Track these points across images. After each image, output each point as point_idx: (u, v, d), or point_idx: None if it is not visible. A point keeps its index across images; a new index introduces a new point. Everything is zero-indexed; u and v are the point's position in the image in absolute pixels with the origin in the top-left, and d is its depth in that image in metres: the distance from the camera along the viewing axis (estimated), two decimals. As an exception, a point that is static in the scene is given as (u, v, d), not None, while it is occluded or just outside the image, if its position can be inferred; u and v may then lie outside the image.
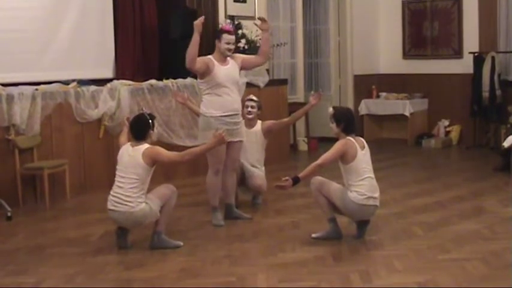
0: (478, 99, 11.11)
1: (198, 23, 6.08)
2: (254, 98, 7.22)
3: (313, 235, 5.86)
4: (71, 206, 7.52)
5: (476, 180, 8.52)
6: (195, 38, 6.06)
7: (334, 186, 5.79)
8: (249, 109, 7.09)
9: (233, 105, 6.36)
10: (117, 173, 5.64)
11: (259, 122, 7.22)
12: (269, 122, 7.29)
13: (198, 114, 7.29)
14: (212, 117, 6.28)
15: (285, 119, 7.71)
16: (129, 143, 5.71)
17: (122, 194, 5.51)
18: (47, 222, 6.79)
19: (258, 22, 6.58)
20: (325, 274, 4.95)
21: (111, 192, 5.61)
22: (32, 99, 7.51)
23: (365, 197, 5.64)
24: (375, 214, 5.87)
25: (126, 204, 5.49)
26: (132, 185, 5.51)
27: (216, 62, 6.31)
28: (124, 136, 6.01)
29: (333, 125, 5.78)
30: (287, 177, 5.62)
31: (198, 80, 6.44)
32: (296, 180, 5.60)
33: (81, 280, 4.96)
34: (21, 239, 6.14)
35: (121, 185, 5.55)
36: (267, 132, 7.23)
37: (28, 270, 5.19)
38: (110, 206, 5.59)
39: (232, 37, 6.37)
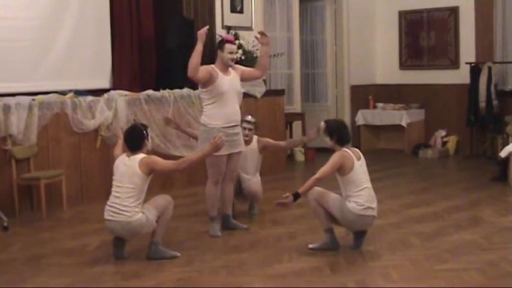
0: (474, 110, 11.14)
1: (202, 32, 6.06)
2: (252, 119, 7.07)
3: (310, 246, 5.83)
4: (67, 216, 7.50)
5: (473, 190, 8.52)
6: (198, 47, 6.04)
7: (332, 196, 5.78)
8: (246, 132, 6.92)
9: (234, 117, 6.35)
10: (113, 183, 5.62)
11: (255, 137, 7.17)
12: (265, 141, 7.24)
13: (193, 137, 7.29)
14: (215, 128, 6.18)
15: (282, 143, 7.76)
16: (124, 154, 5.70)
17: (119, 204, 5.50)
18: (43, 233, 6.77)
19: (258, 35, 6.53)
20: (322, 284, 4.94)
21: (108, 203, 5.59)
22: (28, 109, 7.51)
23: (363, 207, 5.64)
24: (372, 224, 5.88)
25: (122, 214, 5.48)
26: (128, 194, 5.50)
27: (219, 72, 6.32)
28: (119, 149, 5.96)
29: (327, 139, 5.81)
30: (287, 194, 5.62)
31: (200, 89, 6.38)
32: (297, 196, 5.60)
33: (77, 290, 4.96)
34: (17, 249, 6.12)
35: (118, 194, 5.54)
36: (262, 150, 7.23)
37: (25, 281, 5.18)
38: (106, 216, 5.58)
39: (235, 47, 6.41)
